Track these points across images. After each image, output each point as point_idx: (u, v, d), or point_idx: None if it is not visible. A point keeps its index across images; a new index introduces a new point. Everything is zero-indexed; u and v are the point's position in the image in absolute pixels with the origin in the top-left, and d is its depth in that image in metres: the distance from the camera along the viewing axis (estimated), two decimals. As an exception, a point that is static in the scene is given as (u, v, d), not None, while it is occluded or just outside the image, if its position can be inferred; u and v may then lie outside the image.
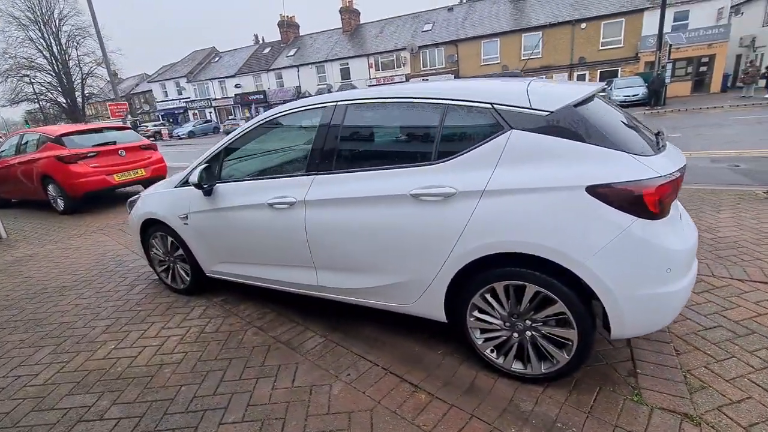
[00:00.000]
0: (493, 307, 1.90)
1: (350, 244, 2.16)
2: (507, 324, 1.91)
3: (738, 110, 14.09)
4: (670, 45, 17.65)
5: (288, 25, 38.32)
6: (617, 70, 24.37)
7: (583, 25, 24.55)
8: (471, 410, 1.80)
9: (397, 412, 1.83)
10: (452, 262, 1.86)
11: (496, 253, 1.74)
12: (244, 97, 37.83)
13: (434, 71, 29.23)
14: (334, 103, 2.26)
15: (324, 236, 2.24)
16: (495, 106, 1.78)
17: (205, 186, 2.60)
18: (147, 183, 7.16)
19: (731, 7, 21.81)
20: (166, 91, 43.07)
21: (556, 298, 1.71)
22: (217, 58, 42.72)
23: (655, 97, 17.69)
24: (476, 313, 1.96)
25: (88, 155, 6.51)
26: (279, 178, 2.42)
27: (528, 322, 1.85)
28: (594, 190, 1.57)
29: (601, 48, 24.54)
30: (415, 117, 2.05)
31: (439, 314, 2.07)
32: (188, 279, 3.14)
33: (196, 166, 2.73)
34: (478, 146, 1.80)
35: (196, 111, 41.66)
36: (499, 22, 27.64)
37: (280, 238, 2.43)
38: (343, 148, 2.21)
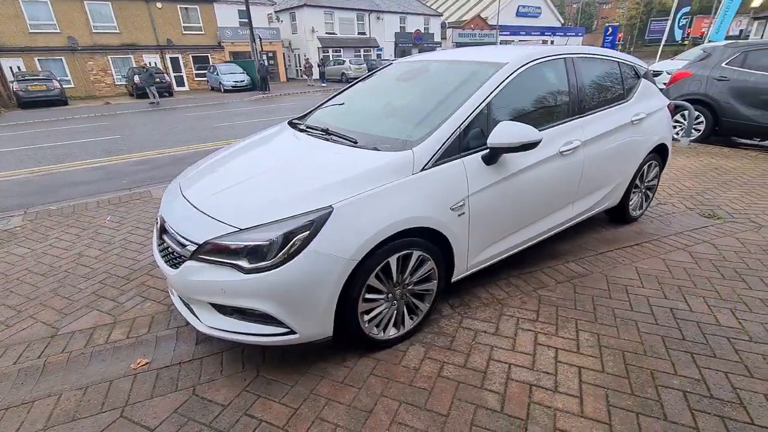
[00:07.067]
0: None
1: (604, 165, 2.79)
2: None
3: (317, 93, 19.65)
4: (261, 38, 20.94)
5: None
6: (207, 56, 25.52)
7: (159, 5, 23.35)
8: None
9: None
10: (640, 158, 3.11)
11: None
12: None
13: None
14: (571, 56, 2.61)
15: (592, 166, 2.67)
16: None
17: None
18: None
19: (275, 12, 28.14)
20: None
21: None
22: None
23: (263, 83, 20.68)
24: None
25: None
26: (556, 125, 2.44)
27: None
28: None
29: (184, 32, 24.52)
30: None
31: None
32: (427, 306, 2.10)
33: (460, 128, 1.99)
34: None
35: None
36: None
37: (562, 183, 2.51)
38: (586, 94, 2.67)
